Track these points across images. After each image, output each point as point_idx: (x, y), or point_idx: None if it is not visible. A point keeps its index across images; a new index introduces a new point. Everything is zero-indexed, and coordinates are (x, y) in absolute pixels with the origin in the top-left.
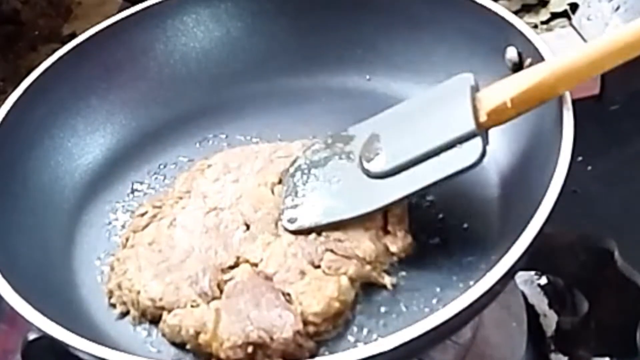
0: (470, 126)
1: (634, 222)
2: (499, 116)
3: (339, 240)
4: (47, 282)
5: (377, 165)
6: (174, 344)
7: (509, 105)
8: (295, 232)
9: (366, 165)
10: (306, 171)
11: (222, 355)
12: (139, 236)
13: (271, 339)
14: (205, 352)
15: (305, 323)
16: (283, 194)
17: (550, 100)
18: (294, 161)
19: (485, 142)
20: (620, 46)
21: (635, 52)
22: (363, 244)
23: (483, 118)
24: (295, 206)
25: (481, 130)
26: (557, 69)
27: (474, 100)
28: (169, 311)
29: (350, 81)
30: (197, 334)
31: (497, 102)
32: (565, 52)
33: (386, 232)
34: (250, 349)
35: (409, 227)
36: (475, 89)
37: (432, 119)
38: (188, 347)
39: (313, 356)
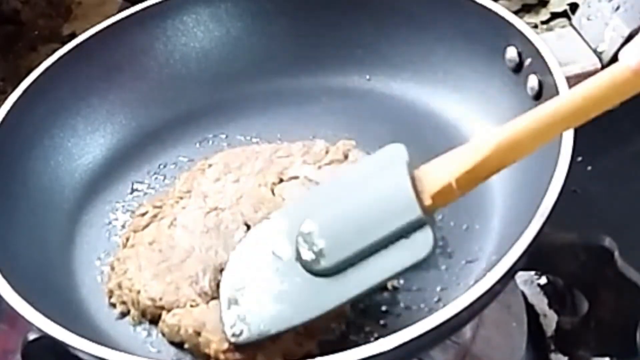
0: (416, 213)
1: (634, 222)
2: (444, 198)
3: None
4: (47, 282)
5: (319, 261)
6: (173, 343)
7: (455, 186)
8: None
9: (306, 262)
10: (242, 273)
11: (221, 355)
12: (139, 236)
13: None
14: (204, 352)
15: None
16: (221, 302)
17: (495, 174)
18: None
19: (434, 229)
20: (568, 111)
21: (585, 117)
22: None
23: (428, 202)
24: (239, 316)
25: (428, 216)
26: (502, 142)
27: (413, 179)
28: (169, 311)
29: (350, 81)
30: (196, 333)
31: (441, 184)
32: (508, 123)
33: None
34: (250, 349)
35: None
36: (411, 165)
37: (370, 204)
38: (186, 346)
39: (313, 356)
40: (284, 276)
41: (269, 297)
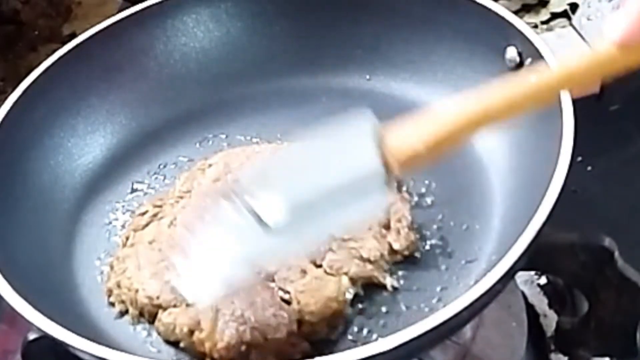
0: (382, 178)
1: (634, 222)
2: (411, 164)
3: (343, 240)
4: (47, 282)
5: (276, 218)
6: (170, 342)
7: (425, 153)
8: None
9: (264, 218)
10: (202, 231)
11: (215, 354)
12: (139, 235)
13: (265, 339)
14: (199, 351)
15: (302, 322)
16: (179, 259)
17: (465, 141)
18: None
19: (392, 188)
20: (548, 85)
21: (565, 89)
22: (367, 243)
23: (395, 168)
24: (196, 276)
25: (390, 180)
26: (472, 111)
27: (380, 145)
28: (165, 309)
29: (350, 81)
30: (191, 332)
31: (411, 152)
32: (480, 92)
33: (388, 229)
34: (243, 348)
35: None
36: (377, 128)
37: (334, 165)
38: (182, 345)
39: (311, 356)
40: (241, 233)
41: (225, 254)
